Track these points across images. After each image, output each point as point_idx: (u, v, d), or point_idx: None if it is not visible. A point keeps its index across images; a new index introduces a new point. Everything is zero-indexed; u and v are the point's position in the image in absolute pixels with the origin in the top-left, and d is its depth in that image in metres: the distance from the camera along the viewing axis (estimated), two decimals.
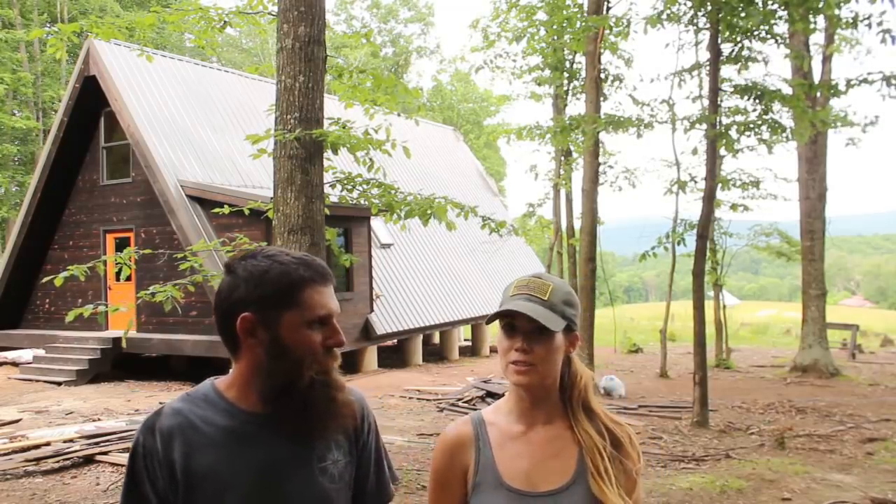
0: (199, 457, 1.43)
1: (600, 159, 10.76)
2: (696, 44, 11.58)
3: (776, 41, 9.24)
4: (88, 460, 7.27)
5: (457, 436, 1.64)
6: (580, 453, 1.56)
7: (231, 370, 1.54)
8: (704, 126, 9.09)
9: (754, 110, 9.22)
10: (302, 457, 1.49)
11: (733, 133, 9.14)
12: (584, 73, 13.00)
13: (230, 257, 1.59)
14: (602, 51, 11.05)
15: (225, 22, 6.93)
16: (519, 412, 1.63)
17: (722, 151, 10.21)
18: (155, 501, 1.42)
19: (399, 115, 10.70)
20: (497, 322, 1.61)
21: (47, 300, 15.08)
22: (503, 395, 8.76)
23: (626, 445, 1.58)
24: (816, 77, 13.55)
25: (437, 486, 1.65)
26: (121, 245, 14.03)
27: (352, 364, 14.53)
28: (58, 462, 7.18)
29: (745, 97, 9.20)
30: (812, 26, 9.87)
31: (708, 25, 9.01)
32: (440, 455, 1.65)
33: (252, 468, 1.45)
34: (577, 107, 16.06)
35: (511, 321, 1.56)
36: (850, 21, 8.92)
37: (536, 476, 1.56)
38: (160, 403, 10.77)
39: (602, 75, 11.34)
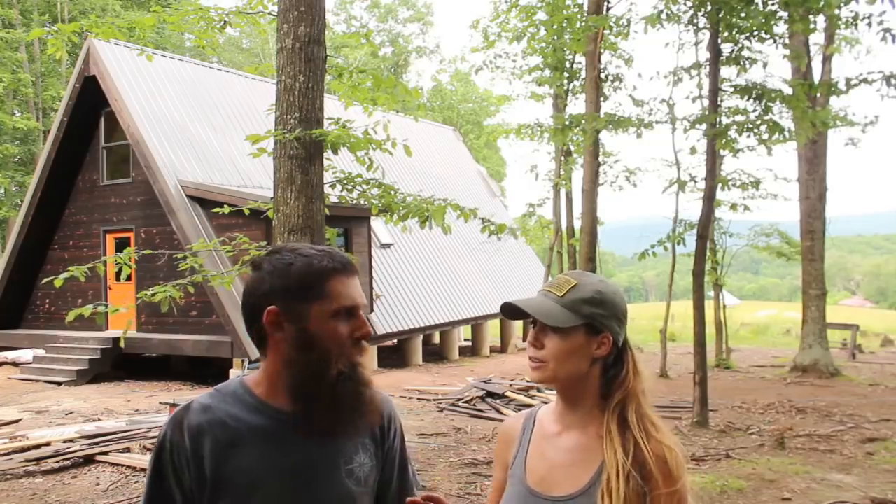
0: (229, 455, 1.41)
1: (600, 159, 10.75)
2: (696, 44, 11.59)
3: (775, 41, 9.24)
4: (88, 460, 7.27)
5: (507, 428, 1.73)
6: (601, 467, 1.51)
7: (258, 368, 1.54)
8: (704, 126, 9.09)
9: (754, 110, 9.22)
10: (330, 458, 1.47)
11: (733, 133, 9.14)
12: (584, 73, 12.99)
13: (256, 255, 1.59)
14: (602, 51, 11.05)
15: (225, 22, 6.92)
16: (557, 414, 1.63)
17: (722, 151, 10.21)
18: (180, 498, 1.40)
19: (397, 112, 10.69)
20: (498, 322, 1.61)
21: (47, 300, 15.08)
22: (503, 395, 8.75)
23: (651, 466, 1.48)
24: (816, 77, 13.55)
25: (495, 467, 1.76)
26: (121, 245, 14.03)
27: None
28: (58, 462, 7.18)
29: (745, 97, 9.20)
30: (812, 26, 9.87)
31: (708, 25, 9.01)
32: (497, 442, 1.75)
33: (282, 469, 1.43)
34: (577, 107, 16.04)
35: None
36: (850, 20, 8.92)
37: (552, 480, 1.55)
38: (161, 403, 10.78)
39: (602, 75, 11.33)
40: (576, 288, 1.56)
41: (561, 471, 1.55)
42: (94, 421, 9.31)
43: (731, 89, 9.39)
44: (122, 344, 9.91)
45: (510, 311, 1.60)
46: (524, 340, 19.76)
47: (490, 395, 10.55)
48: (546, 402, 1.73)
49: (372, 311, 14.65)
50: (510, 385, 10.83)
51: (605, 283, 1.59)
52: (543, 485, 1.56)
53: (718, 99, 9.07)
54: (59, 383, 12.73)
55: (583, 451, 1.55)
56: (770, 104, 9.05)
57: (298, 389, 1.44)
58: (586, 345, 1.54)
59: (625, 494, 1.45)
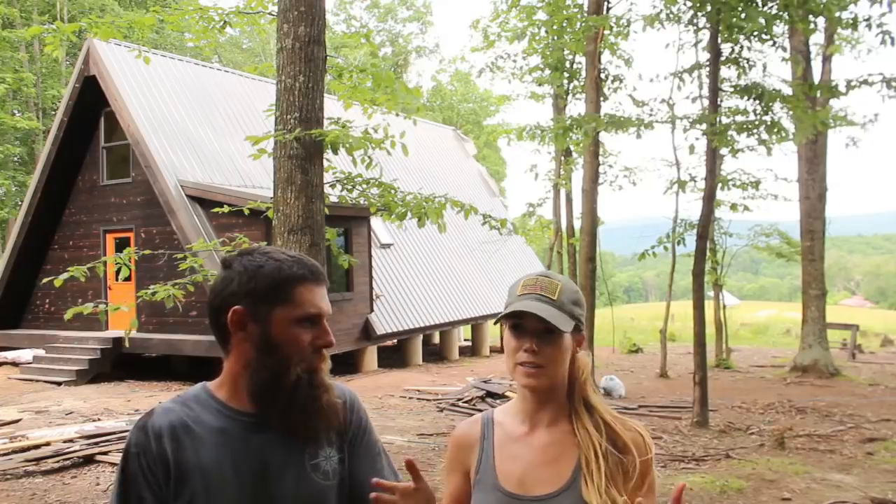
0: (191, 455, 1.43)
1: (600, 159, 10.76)
2: (696, 44, 11.58)
3: (775, 42, 9.23)
4: (88, 460, 7.28)
5: (463, 435, 1.67)
6: (579, 459, 1.51)
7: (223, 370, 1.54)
8: (704, 126, 9.09)
9: (754, 110, 9.22)
10: (294, 455, 1.49)
11: (733, 134, 9.13)
12: (584, 73, 13.00)
13: (227, 254, 1.60)
14: (602, 51, 11.05)
15: (225, 22, 6.93)
16: (524, 413, 1.61)
17: (722, 151, 10.21)
18: (151, 499, 1.42)
19: (397, 115, 10.71)
20: (500, 322, 1.59)
21: (47, 300, 15.08)
22: (503, 394, 8.75)
23: (625, 440, 1.51)
24: (816, 77, 13.55)
25: (447, 473, 1.71)
26: (121, 245, 14.02)
27: (352, 364, 14.53)
28: (58, 462, 7.18)
29: (745, 97, 9.19)
30: (812, 27, 9.86)
31: (708, 26, 9.01)
32: (449, 449, 1.71)
33: (244, 468, 1.44)
34: (577, 107, 16.06)
35: (519, 321, 1.53)
36: (851, 22, 8.92)
37: (530, 480, 1.54)
38: (160, 403, 10.77)
39: (602, 75, 11.33)
40: (563, 290, 1.55)
41: (539, 469, 1.54)
42: (94, 421, 9.31)
43: (731, 89, 9.38)
44: (126, 344, 9.90)
45: (516, 317, 1.54)
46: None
47: (490, 395, 10.55)
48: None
49: (372, 310, 14.65)
50: (510, 385, 10.83)
51: (572, 282, 1.62)
52: (523, 486, 1.54)
53: (718, 99, 9.07)
54: (59, 383, 12.72)
55: (559, 447, 1.55)
56: (770, 104, 9.05)
57: (257, 391, 1.47)
58: (572, 344, 1.55)
59: (605, 471, 1.47)
